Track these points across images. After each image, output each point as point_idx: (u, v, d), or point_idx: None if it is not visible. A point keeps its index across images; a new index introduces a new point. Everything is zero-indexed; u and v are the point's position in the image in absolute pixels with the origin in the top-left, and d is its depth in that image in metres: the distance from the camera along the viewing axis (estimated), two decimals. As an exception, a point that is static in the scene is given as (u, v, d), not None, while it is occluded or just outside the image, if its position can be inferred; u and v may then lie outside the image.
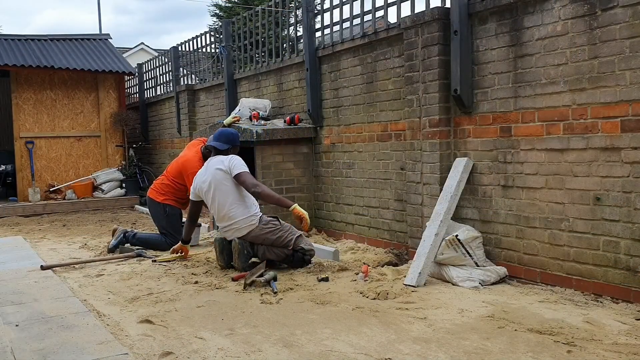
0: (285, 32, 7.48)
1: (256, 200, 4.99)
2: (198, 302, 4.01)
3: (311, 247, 4.98)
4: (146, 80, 12.14)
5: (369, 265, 4.72)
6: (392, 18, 5.61)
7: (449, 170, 4.72)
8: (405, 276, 4.38)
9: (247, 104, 7.03)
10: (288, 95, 7.16)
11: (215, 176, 4.92)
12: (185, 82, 10.28)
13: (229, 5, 17.06)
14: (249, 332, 3.34)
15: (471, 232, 4.44)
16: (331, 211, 6.51)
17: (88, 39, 12.15)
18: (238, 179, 4.87)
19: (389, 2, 5.49)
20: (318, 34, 6.56)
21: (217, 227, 5.27)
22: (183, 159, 6.20)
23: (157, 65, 11.43)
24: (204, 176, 5.05)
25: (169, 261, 5.37)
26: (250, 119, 6.75)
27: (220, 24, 8.94)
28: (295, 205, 4.81)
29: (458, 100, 4.61)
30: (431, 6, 4.89)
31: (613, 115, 3.67)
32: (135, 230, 6.26)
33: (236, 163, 4.92)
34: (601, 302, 3.71)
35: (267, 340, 3.20)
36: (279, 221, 4.98)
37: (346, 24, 6.20)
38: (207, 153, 6.16)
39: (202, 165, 5.98)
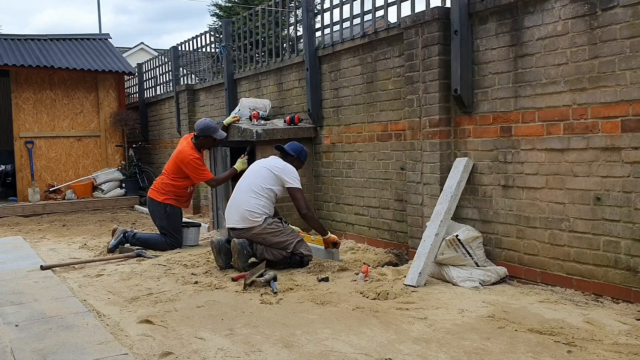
0: (285, 32, 7.48)
1: (303, 219, 5.13)
2: (198, 302, 4.01)
3: (310, 252, 5.01)
4: (146, 80, 12.13)
5: (369, 265, 4.72)
6: (392, 18, 5.61)
7: (449, 170, 4.72)
8: (405, 276, 4.37)
9: (247, 104, 7.02)
10: (288, 95, 7.15)
11: (262, 172, 5.05)
12: (185, 82, 10.27)
13: (229, 5, 17.06)
14: (249, 332, 3.34)
15: (471, 232, 4.44)
16: (331, 211, 6.51)
17: (88, 39, 12.15)
18: (292, 193, 5.00)
19: (389, 1, 5.48)
20: (318, 33, 6.55)
21: (224, 216, 5.34)
22: (177, 152, 6.26)
23: (157, 65, 11.43)
24: (260, 162, 5.25)
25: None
26: (250, 118, 6.75)
27: (220, 23, 8.94)
28: (329, 235, 5.15)
29: (458, 100, 4.61)
30: (431, 6, 4.89)
31: (613, 115, 3.67)
32: (135, 230, 6.25)
33: (292, 174, 5.02)
34: (601, 302, 3.71)
35: (267, 341, 3.19)
36: (282, 223, 4.99)
37: (346, 24, 6.20)
38: (197, 142, 6.19)
39: (195, 152, 6.09)
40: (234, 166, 6.16)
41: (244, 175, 5.24)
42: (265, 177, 5.00)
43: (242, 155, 6.24)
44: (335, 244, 5.18)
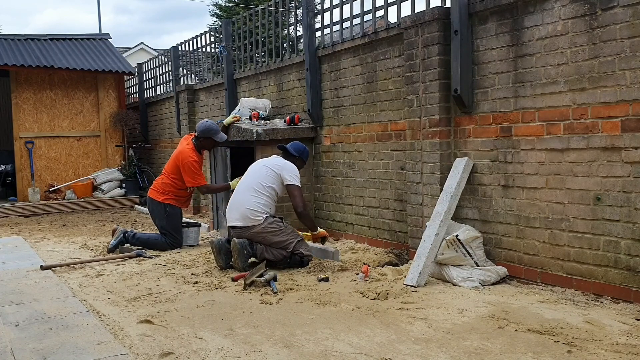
0: (285, 32, 7.48)
1: (298, 217, 5.15)
2: (198, 302, 4.01)
3: (310, 252, 5.02)
4: (146, 80, 12.13)
5: (369, 265, 4.72)
6: (392, 18, 5.61)
7: (449, 170, 4.72)
8: (405, 276, 4.37)
9: (247, 104, 7.02)
10: (288, 95, 7.15)
11: (262, 170, 5.08)
12: (185, 82, 10.27)
13: (229, 5, 17.06)
14: (249, 332, 3.34)
15: (471, 232, 4.44)
16: (331, 211, 6.51)
17: (88, 39, 12.15)
18: (290, 189, 5.03)
19: (389, 1, 5.48)
20: (318, 33, 6.56)
21: (225, 215, 5.36)
22: (177, 153, 6.26)
23: (157, 65, 11.43)
24: (261, 161, 5.28)
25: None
26: (250, 118, 6.75)
27: (220, 23, 8.94)
28: (319, 230, 5.25)
29: (458, 100, 4.61)
30: (431, 6, 4.89)
31: (613, 115, 3.67)
32: (135, 230, 6.25)
33: (292, 172, 5.06)
34: (601, 302, 3.71)
35: (267, 341, 3.19)
36: (283, 223, 4.99)
37: (346, 24, 6.20)
38: (198, 143, 6.19)
39: (196, 154, 6.09)
40: (230, 182, 6.15)
41: (244, 174, 5.26)
42: (266, 175, 5.02)
43: (240, 177, 6.18)
44: (324, 239, 5.27)
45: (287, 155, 5.26)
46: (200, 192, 6.59)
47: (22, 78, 10.59)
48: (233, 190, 5.90)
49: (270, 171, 5.03)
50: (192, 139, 6.29)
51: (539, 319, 3.40)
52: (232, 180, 6.27)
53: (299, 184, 5.08)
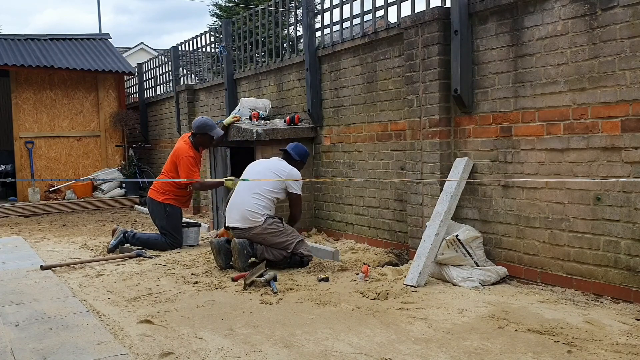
0: (285, 32, 7.48)
1: (290, 223, 5.24)
2: (198, 302, 4.01)
3: (310, 253, 5.03)
4: (146, 80, 12.13)
5: (369, 265, 4.72)
6: (392, 18, 5.61)
7: (449, 170, 4.72)
8: (405, 276, 4.38)
9: (247, 104, 7.02)
10: (288, 95, 7.15)
11: (265, 174, 5.11)
12: (185, 82, 10.27)
13: (229, 5, 17.06)
14: (249, 332, 3.34)
15: (471, 232, 4.44)
16: (331, 211, 6.51)
17: (88, 39, 12.14)
18: (293, 199, 5.16)
19: (389, 1, 5.48)
20: (318, 33, 6.56)
21: (225, 215, 5.37)
22: (174, 150, 6.26)
23: (157, 65, 11.43)
24: (262, 162, 5.33)
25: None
26: (250, 118, 6.75)
27: (220, 23, 8.94)
28: None
29: (458, 100, 4.61)
30: (431, 6, 4.89)
31: (613, 115, 3.67)
32: (135, 230, 6.25)
33: (298, 181, 5.14)
34: (601, 302, 3.71)
35: (267, 341, 3.19)
36: (282, 223, 5.00)
37: (346, 24, 6.20)
38: (195, 140, 6.19)
39: (192, 150, 6.09)
40: (224, 180, 6.10)
41: (244, 173, 5.27)
42: (273, 184, 5.02)
43: (234, 177, 6.14)
44: None
45: (288, 159, 5.28)
46: (194, 189, 6.57)
47: (22, 78, 10.59)
48: (226, 187, 5.94)
49: (275, 176, 5.05)
50: (189, 136, 6.29)
51: (539, 319, 3.40)
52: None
53: (301, 193, 5.22)
